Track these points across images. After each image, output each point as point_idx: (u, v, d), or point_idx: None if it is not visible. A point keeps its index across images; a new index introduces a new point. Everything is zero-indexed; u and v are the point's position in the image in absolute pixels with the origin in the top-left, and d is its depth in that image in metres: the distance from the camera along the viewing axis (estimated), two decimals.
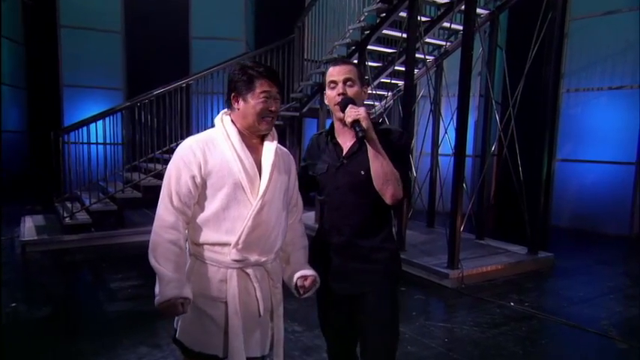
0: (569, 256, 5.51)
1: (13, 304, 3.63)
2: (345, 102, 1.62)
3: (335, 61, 1.74)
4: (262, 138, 1.63)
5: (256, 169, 1.55)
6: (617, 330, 3.35)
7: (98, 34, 8.03)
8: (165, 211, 1.51)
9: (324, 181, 1.75)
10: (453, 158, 4.53)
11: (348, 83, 1.65)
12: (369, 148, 1.59)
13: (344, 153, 1.71)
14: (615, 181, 6.54)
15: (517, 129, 5.12)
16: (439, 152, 6.17)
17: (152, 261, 1.49)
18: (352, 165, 1.67)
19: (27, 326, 3.32)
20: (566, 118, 7.10)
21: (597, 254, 5.67)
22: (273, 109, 1.56)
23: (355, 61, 1.85)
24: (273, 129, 1.66)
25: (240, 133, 1.57)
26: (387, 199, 1.61)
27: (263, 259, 1.58)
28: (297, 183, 1.77)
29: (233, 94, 1.57)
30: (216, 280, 1.54)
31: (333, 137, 1.76)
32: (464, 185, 5.06)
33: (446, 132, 5.51)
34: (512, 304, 3.90)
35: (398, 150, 1.66)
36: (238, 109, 1.57)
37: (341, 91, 1.65)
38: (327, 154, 1.74)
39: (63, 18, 7.77)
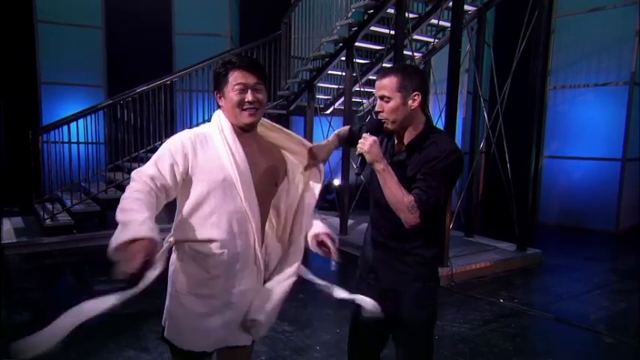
0: (556, 252, 5.64)
1: None
2: (367, 128, 1.70)
3: (378, 73, 1.78)
4: (255, 131, 1.64)
5: (247, 164, 1.55)
6: (604, 325, 3.44)
7: (77, 29, 7.90)
8: (133, 182, 1.45)
9: (368, 178, 1.81)
10: None
11: (385, 99, 1.65)
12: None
13: (394, 154, 1.74)
14: (602, 177, 6.70)
15: (505, 126, 5.20)
16: None
17: (118, 216, 1.32)
18: (397, 169, 1.65)
19: (7, 332, 3.27)
20: (553, 114, 7.24)
21: (584, 251, 5.81)
22: (250, 99, 1.53)
23: (400, 67, 1.81)
24: (267, 121, 1.67)
25: (233, 127, 1.58)
26: (403, 223, 1.61)
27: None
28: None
29: (216, 91, 1.60)
30: (204, 277, 1.54)
31: (392, 135, 1.78)
32: None
33: None
34: (501, 300, 3.97)
35: (433, 171, 1.60)
36: (222, 105, 1.59)
37: (377, 108, 1.68)
38: (383, 147, 1.75)
39: (40, 13, 7.62)
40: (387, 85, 1.64)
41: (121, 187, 5.88)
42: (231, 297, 1.56)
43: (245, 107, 1.54)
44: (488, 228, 6.40)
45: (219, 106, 1.62)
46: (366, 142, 1.61)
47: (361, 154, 1.64)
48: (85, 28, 7.97)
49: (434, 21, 5.44)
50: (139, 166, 5.40)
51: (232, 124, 1.58)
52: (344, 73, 5.92)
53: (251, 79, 1.54)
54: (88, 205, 5.79)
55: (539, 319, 3.61)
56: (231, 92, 1.54)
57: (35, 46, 7.69)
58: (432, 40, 6.06)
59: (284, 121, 7.42)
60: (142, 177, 1.45)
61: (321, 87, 6.92)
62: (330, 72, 6.26)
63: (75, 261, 5.02)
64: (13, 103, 8.30)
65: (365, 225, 6.28)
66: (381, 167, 1.60)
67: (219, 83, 1.57)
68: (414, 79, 1.65)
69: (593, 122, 6.78)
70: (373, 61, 6.24)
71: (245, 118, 1.55)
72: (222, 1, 8.63)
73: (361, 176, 1.78)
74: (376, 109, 1.69)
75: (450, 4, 4.73)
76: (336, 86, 6.93)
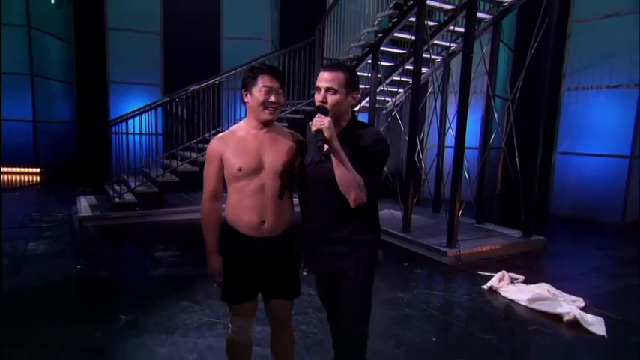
0: (562, 240, 5.78)
1: (79, 267, 4.17)
2: (315, 111, 1.68)
3: (325, 67, 1.76)
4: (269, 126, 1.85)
5: (269, 150, 1.81)
6: (591, 301, 3.60)
7: (140, 35, 8.52)
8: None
9: (309, 173, 1.85)
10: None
11: (331, 91, 1.70)
12: (332, 155, 1.64)
13: (324, 151, 1.73)
14: (611, 173, 6.72)
15: (523, 124, 5.32)
16: (446, 145, 6.46)
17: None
18: (328, 163, 1.69)
19: (90, 284, 3.85)
20: (567, 114, 7.26)
21: (589, 239, 5.89)
22: (273, 99, 1.75)
23: (346, 66, 1.84)
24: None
25: (252, 122, 1.83)
26: (351, 203, 1.65)
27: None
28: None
29: (244, 90, 1.81)
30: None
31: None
32: (467, 175, 5.34)
33: (450, 126, 5.80)
34: None
35: (368, 157, 1.67)
36: (248, 102, 1.81)
37: (321, 98, 1.71)
38: (314, 149, 1.77)
39: (111, 21, 8.29)
40: (335, 78, 1.69)
41: (176, 173, 6.43)
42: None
43: (268, 106, 1.77)
44: (503, 217, 6.54)
45: (243, 103, 1.86)
46: (325, 121, 1.61)
47: (320, 131, 1.61)
48: (146, 34, 8.59)
49: (452, 28, 5.63)
50: (190, 155, 5.97)
51: (254, 120, 1.83)
52: (370, 75, 6.21)
53: (275, 84, 1.77)
54: (148, 187, 6.34)
55: None
56: (258, 92, 1.76)
57: (106, 50, 8.36)
58: (449, 44, 6.22)
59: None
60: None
61: None
62: (357, 73, 6.54)
63: (138, 232, 5.61)
64: (85, 99, 9.07)
65: (385, 211, 6.59)
66: (337, 146, 1.61)
67: (247, 84, 1.79)
68: (356, 79, 1.76)
69: (604, 121, 6.78)
70: (397, 63, 6.49)
71: (266, 116, 1.78)
72: (264, 9, 9.04)
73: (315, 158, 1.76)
74: (319, 99, 1.71)
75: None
76: (363, 86, 7.20)
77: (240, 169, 1.78)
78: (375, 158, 1.70)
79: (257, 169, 1.80)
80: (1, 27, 5.27)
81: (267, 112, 1.78)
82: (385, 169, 6.22)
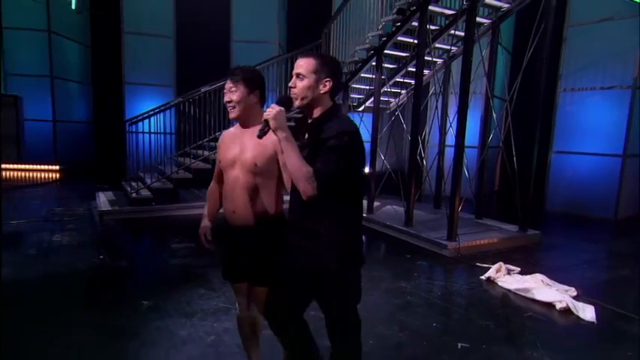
0: (557, 235, 5.87)
1: (101, 257, 4.31)
2: (277, 101, 1.65)
3: (302, 53, 1.73)
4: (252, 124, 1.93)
5: (242, 147, 1.91)
6: (583, 290, 3.71)
7: (154, 38, 8.68)
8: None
9: None
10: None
11: (300, 77, 1.65)
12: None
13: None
14: (604, 171, 6.80)
15: (520, 124, 5.41)
16: (446, 144, 6.57)
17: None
18: (303, 148, 1.65)
19: (113, 273, 3.99)
20: (563, 114, 7.33)
21: (582, 234, 5.97)
22: (226, 99, 1.88)
23: (321, 54, 1.88)
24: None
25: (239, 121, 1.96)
26: (301, 194, 1.56)
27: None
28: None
29: None
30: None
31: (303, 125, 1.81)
32: (466, 173, 5.44)
33: (450, 125, 5.90)
34: None
35: (328, 148, 1.56)
36: None
37: (290, 84, 1.68)
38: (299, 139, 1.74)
39: (126, 25, 8.43)
40: (304, 65, 1.64)
41: (189, 170, 6.55)
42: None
43: (228, 106, 1.91)
44: (501, 213, 6.62)
45: None
46: (273, 110, 1.58)
47: (266, 121, 1.60)
48: (159, 37, 8.74)
49: (452, 31, 5.71)
50: (202, 153, 6.11)
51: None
52: (374, 76, 6.31)
53: (227, 85, 1.88)
54: (163, 183, 6.48)
55: None
56: None
57: (121, 52, 8.52)
58: (450, 47, 6.32)
59: None
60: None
61: (355, 87, 7.32)
62: (362, 75, 6.66)
63: (154, 225, 5.76)
64: (101, 100, 9.24)
65: (388, 207, 6.73)
66: (284, 135, 1.56)
67: None
68: (330, 67, 1.66)
69: (599, 121, 6.86)
70: (400, 66, 6.59)
71: (230, 114, 1.92)
72: (272, 13, 9.17)
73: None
74: (290, 84, 1.68)
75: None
76: (367, 87, 7.32)
77: (220, 161, 2.00)
78: (334, 149, 1.55)
79: (233, 163, 1.93)
80: (2, 30, 5.40)
81: (229, 110, 1.92)
82: (388, 166, 6.34)
